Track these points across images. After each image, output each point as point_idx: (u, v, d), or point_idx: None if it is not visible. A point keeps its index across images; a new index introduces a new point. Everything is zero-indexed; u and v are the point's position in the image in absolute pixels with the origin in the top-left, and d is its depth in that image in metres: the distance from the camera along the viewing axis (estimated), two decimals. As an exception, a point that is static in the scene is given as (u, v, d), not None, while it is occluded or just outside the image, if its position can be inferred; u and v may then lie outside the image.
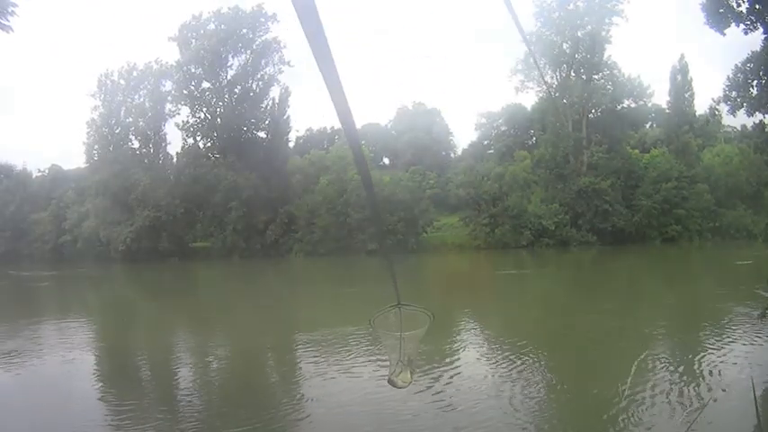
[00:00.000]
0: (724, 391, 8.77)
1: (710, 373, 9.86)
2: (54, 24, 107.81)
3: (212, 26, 57.12)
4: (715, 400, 8.41)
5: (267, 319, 19.49)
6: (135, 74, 59.73)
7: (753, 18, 13.77)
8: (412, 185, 54.50)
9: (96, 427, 8.67)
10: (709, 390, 8.92)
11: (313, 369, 11.58)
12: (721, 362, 10.44)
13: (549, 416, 8.55)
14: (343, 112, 1.50)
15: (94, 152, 60.97)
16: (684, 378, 9.74)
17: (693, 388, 9.13)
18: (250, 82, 57.16)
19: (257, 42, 56.66)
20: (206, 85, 57.57)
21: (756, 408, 5.50)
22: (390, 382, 3.26)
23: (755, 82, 14.76)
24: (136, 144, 60.38)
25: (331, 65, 1.36)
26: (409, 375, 3.25)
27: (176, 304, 25.34)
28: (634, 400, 8.25)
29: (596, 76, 51.51)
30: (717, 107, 15.88)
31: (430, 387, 9.62)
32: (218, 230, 54.02)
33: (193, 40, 57.11)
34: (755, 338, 12.12)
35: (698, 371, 10.14)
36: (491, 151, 68.92)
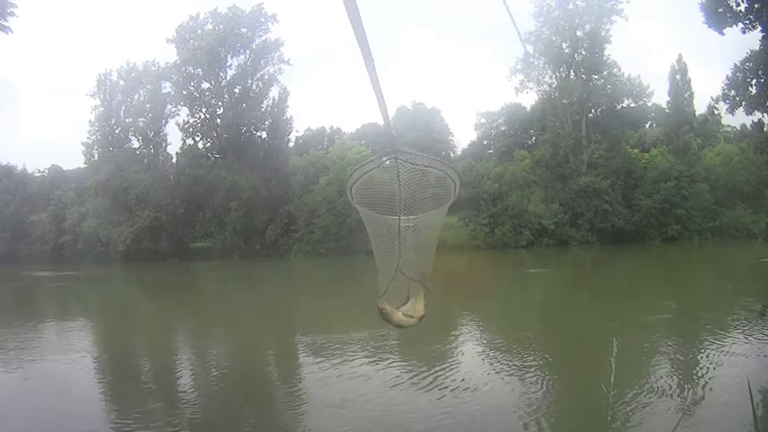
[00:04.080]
0: (713, 378, 8.80)
1: (707, 370, 9.89)
2: (54, 24, 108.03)
3: (210, 26, 57.13)
4: (703, 398, 8.42)
5: (268, 320, 19.49)
6: (134, 74, 59.80)
7: (752, 17, 13.79)
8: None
9: (99, 426, 8.70)
10: (704, 387, 8.95)
11: (315, 371, 11.54)
12: (720, 360, 10.45)
13: (553, 414, 8.55)
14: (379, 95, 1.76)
15: (94, 152, 61.07)
16: (680, 375, 9.76)
17: (689, 385, 9.15)
18: (249, 82, 57.12)
19: (256, 42, 56.68)
20: (205, 85, 57.70)
21: (752, 406, 5.50)
22: (382, 312, 1.88)
23: (754, 81, 14.80)
24: (136, 144, 60.62)
25: (368, 51, 1.61)
26: (422, 304, 2.01)
27: (180, 306, 25.26)
28: (630, 398, 8.26)
29: (596, 76, 51.50)
30: (716, 106, 15.89)
31: (432, 386, 9.64)
32: (218, 230, 54.01)
33: (191, 41, 57.07)
34: (760, 336, 12.12)
35: (696, 368, 10.16)
36: (491, 151, 68.82)
